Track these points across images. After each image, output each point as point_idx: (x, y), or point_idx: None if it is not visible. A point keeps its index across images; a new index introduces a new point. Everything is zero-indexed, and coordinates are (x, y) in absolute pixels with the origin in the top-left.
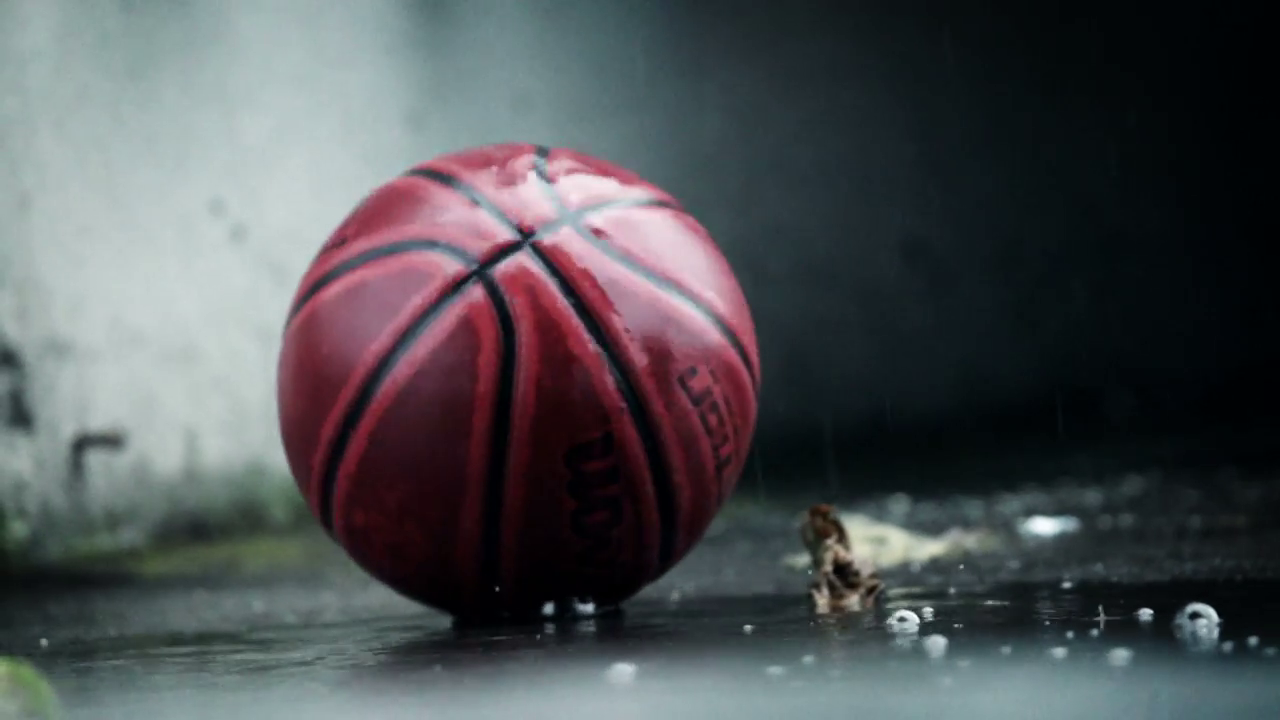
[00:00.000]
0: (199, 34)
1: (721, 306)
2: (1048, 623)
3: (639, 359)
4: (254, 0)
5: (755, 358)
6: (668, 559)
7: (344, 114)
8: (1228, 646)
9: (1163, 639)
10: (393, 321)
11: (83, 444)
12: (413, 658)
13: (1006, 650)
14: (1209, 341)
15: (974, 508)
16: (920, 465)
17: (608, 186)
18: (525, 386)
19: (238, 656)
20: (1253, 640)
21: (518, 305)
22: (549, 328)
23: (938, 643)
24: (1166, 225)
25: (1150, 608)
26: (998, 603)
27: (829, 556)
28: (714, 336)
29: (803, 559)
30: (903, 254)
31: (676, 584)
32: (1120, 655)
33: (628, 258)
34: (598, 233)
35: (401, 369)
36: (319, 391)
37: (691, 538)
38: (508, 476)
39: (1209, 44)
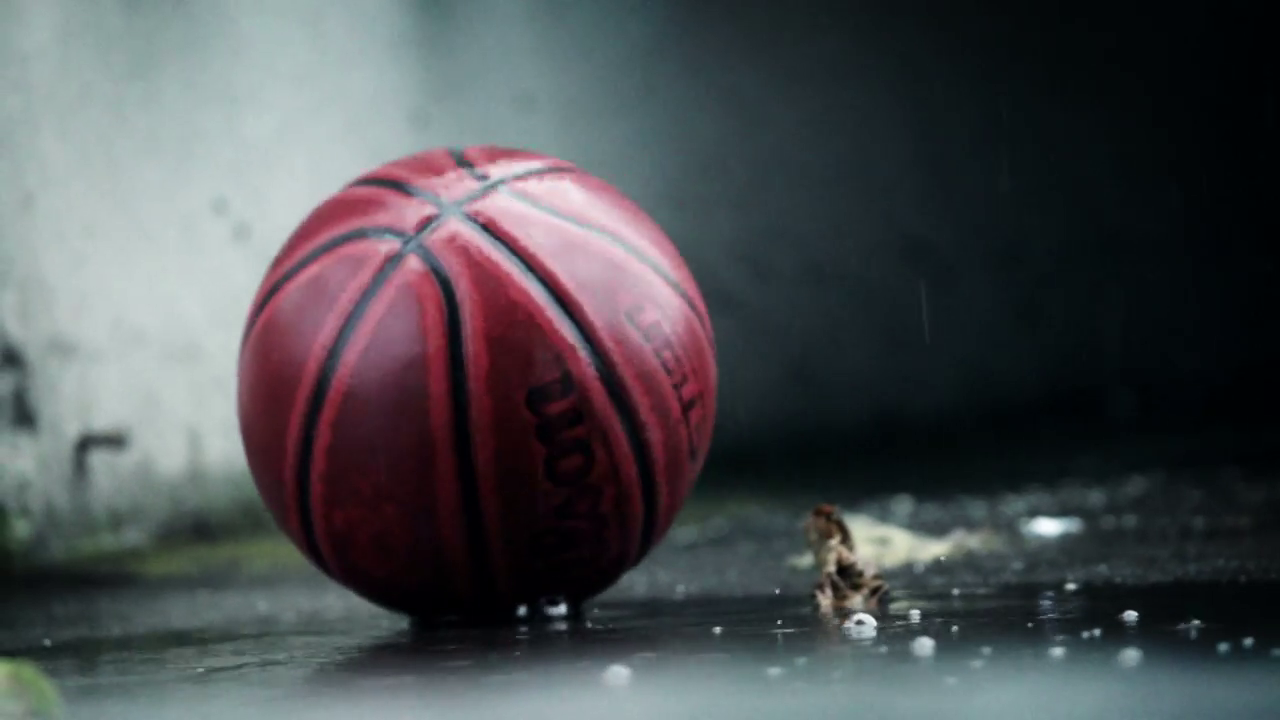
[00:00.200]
0: (202, 33)
1: (658, 253)
2: (1051, 624)
3: (582, 298)
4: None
5: (702, 306)
6: (652, 519)
7: (347, 113)
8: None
9: (1165, 640)
10: (334, 309)
11: (86, 444)
12: (410, 658)
13: (1008, 651)
14: (1212, 341)
15: (977, 508)
16: (923, 466)
17: (523, 161)
18: (474, 340)
19: (240, 656)
20: (1257, 641)
21: (453, 265)
22: (487, 280)
23: (925, 644)
24: (1169, 225)
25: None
26: (1001, 603)
27: (832, 557)
28: (655, 278)
29: (806, 560)
30: (905, 254)
31: (679, 584)
32: (1130, 656)
33: (557, 211)
34: (524, 193)
35: (350, 351)
36: (277, 400)
37: (673, 492)
38: (474, 432)
39: (1210, 43)
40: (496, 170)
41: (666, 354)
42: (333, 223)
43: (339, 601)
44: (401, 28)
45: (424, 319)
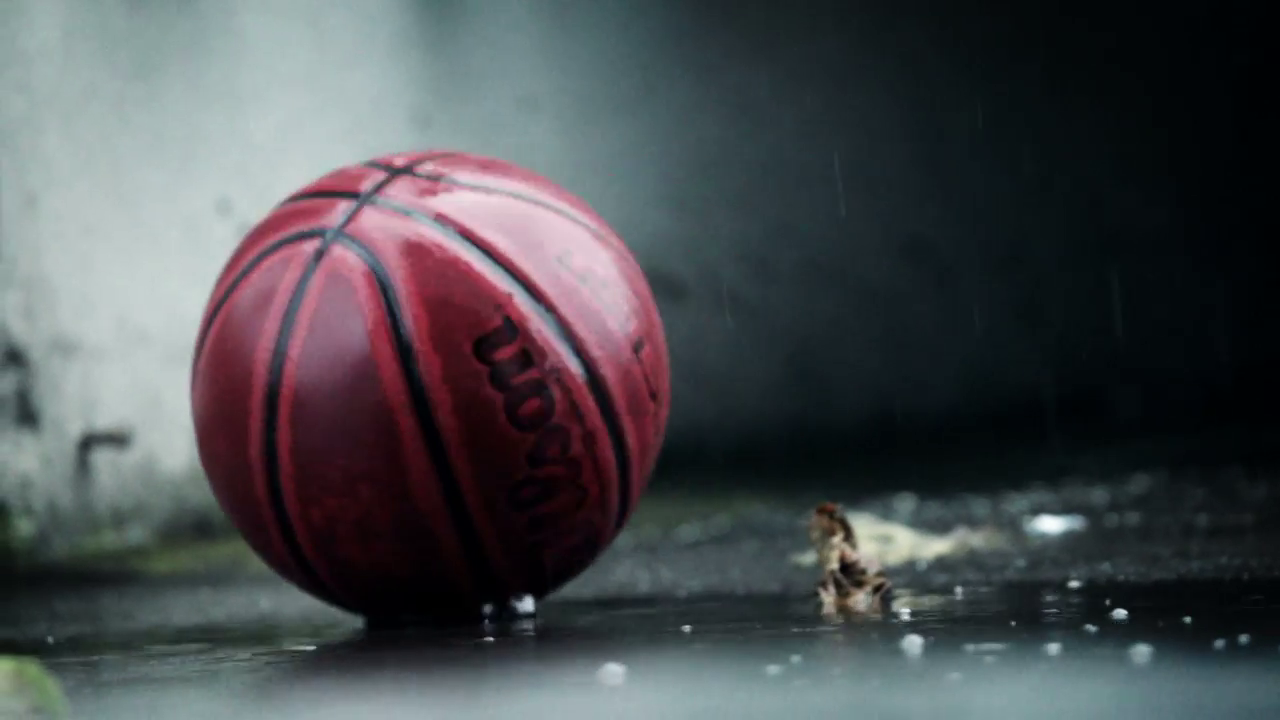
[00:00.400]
0: (205, 34)
1: (577, 210)
2: (1053, 621)
3: (510, 250)
4: (260, 1)
5: (630, 255)
6: (625, 464)
7: (350, 113)
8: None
9: (1167, 638)
10: (270, 313)
11: (89, 442)
12: (412, 655)
13: (1011, 649)
14: (1215, 340)
15: (980, 506)
16: (926, 464)
17: (423, 151)
18: (410, 304)
19: (243, 654)
20: (1260, 639)
21: (377, 242)
22: (412, 249)
23: (914, 642)
24: (1171, 224)
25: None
26: (1003, 601)
27: (835, 555)
28: (578, 230)
29: (809, 557)
30: (907, 253)
31: (682, 582)
32: (1141, 652)
33: (468, 182)
34: (433, 172)
35: (293, 347)
36: (234, 415)
37: (640, 434)
38: (429, 390)
39: (1212, 43)
40: (401, 160)
41: (605, 294)
42: (261, 239)
43: None
44: (404, 28)
45: (357, 296)
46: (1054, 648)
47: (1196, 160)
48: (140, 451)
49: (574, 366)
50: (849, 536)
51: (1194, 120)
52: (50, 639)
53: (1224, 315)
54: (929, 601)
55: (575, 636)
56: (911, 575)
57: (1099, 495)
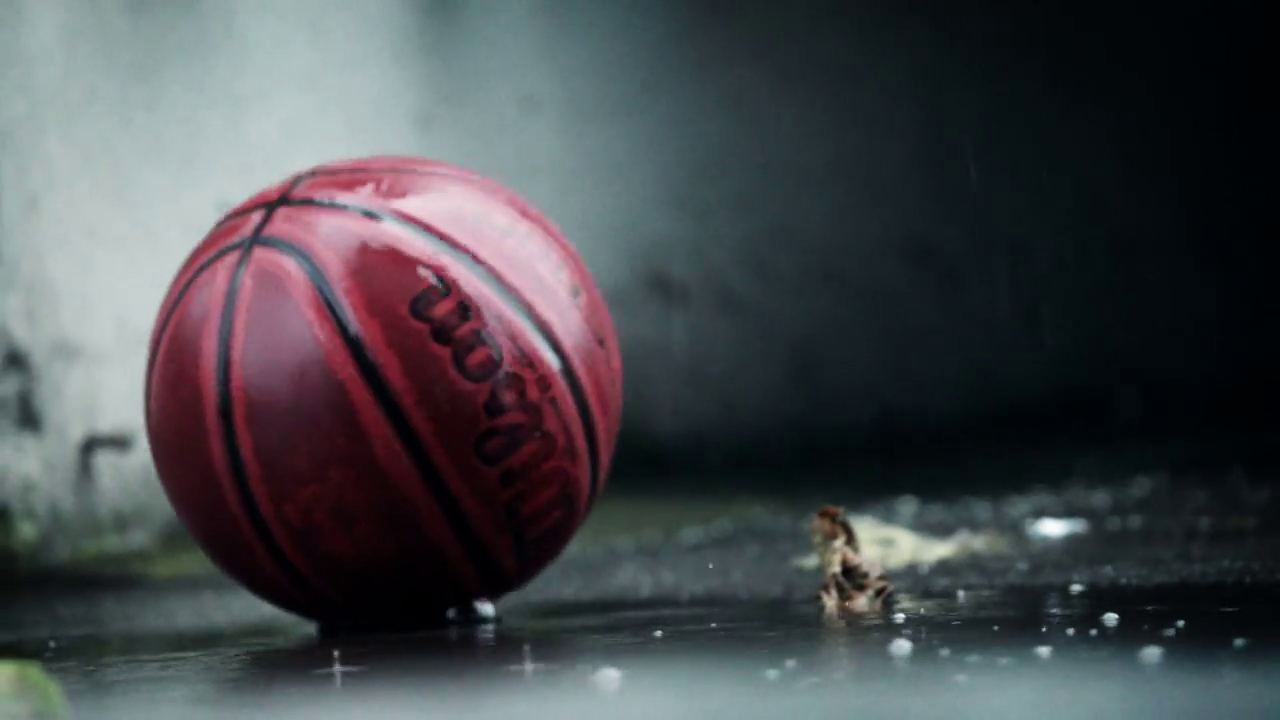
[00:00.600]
0: (206, 35)
1: (496, 187)
2: (1056, 625)
3: (428, 218)
4: (261, 2)
5: (555, 227)
6: (585, 409)
7: (351, 115)
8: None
9: (1168, 641)
10: (207, 327)
11: (91, 445)
12: (412, 658)
13: (1013, 653)
14: (1217, 343)
15: (982, 509)
16: (928, 467)
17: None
18: (340, 281)
19: (245, 657)
20: (1262, 642)
21: (295, 233)
22: (332, 233)
23: (902, 646)
24: (1174, 226)
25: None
26: (1005, 605)
27: (837, 559)
28: (489, 197)
29: (811, 561)
30: (909, 255)
31: (684, 585)
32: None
33: (373, 168)
34: (337, 168)
35: (235, 349)
36: (194, 433)
37: (594, 378)
38: (375, 357)
39: (1216, 43)
40: (305, 168)
41: (530, 245)
42: (190, 266)
43: None
44: (405, 30)
45: (286, 286)
46: (1056, 651)
47: (1200, 162)
48: (142, 455)
49: (513, 313)
50: (851, 540)
51: (1195, 121)
52: (52, 643)
53: (1226, 317)
54: (931, 605)
55: (575, 637)
56: (913, 579)
57: (1101, 498)
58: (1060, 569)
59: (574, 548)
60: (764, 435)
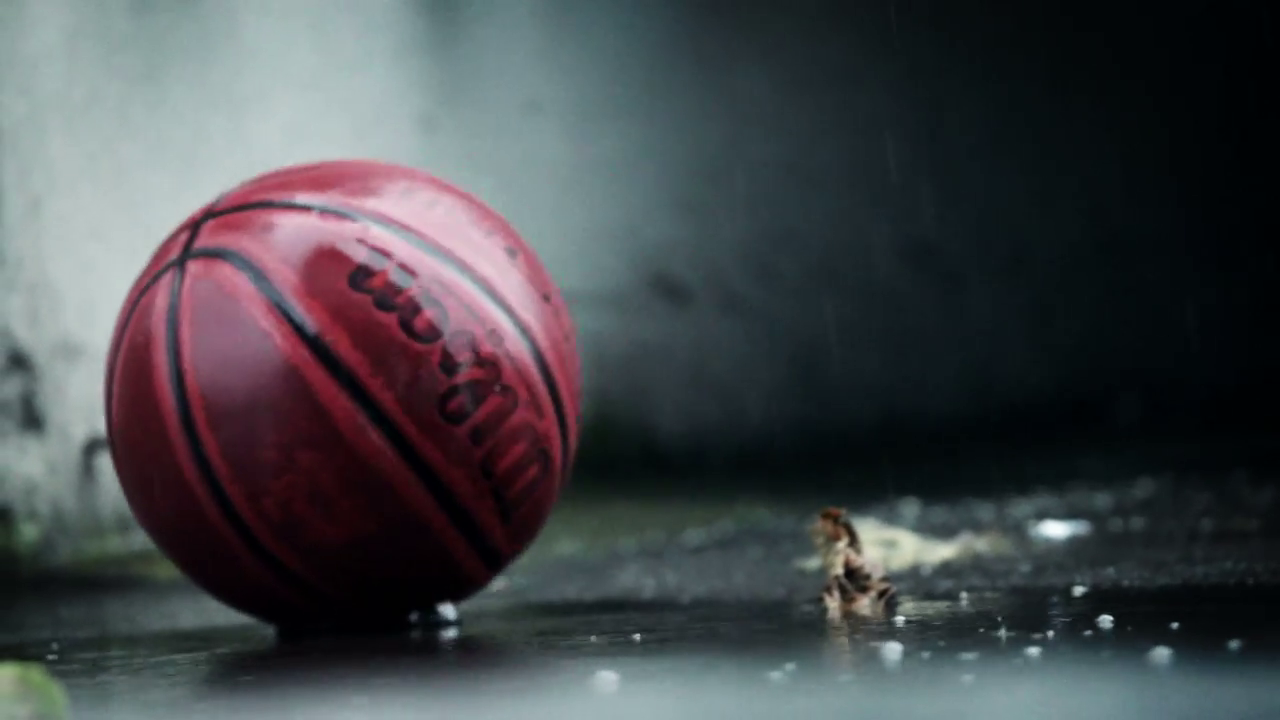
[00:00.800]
0: (209, 37)
1: (401, 167)
2: (1058, 626)
3: (356, 202)
4: (264, 3)
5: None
6: (542, 361)
7: (354, 117)
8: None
9: (1172, 643)
10: (154, 342)
11: (93, 447)
12: (412, 659)
13: (1015, 655)
14: (1219, 344)
15: (985, 511)
16: (931, 468)
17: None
18: (277, 271)
19: (247, 658)
20: (1265, 644)
21: (223, 238)
22: (261, 229)
23: (893, 649)
24: (1176, 228)
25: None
26: (1008, 606)
27: (840, 560)
28: (414, 174)
29: (814, 562)
30: (912, 257)
31: (686, 587)
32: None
33: (299, 168)
34: (263, 178)
35: (185, 357)
36: (160, 450)
37: (546, 333)
38: (322, 336)
39: (1216, 43)
40: (229, 183)
41: (458, 213)
42: (137, 288)
43: None
44: (408, 32)
45: (224, 286)
46: (1059, 653)
47: (1205, 164)
48: None
49: (452, 273)
50: (853, 541)
51: (1195, 121)
52: (54, 644)
53: (1228, 318)
54: (933, 607)
55: (575, 638)
56: (916, 580)
57: (1103, 500)
58: (1063, 570)
59: (576, 548)
60: (767, 436)
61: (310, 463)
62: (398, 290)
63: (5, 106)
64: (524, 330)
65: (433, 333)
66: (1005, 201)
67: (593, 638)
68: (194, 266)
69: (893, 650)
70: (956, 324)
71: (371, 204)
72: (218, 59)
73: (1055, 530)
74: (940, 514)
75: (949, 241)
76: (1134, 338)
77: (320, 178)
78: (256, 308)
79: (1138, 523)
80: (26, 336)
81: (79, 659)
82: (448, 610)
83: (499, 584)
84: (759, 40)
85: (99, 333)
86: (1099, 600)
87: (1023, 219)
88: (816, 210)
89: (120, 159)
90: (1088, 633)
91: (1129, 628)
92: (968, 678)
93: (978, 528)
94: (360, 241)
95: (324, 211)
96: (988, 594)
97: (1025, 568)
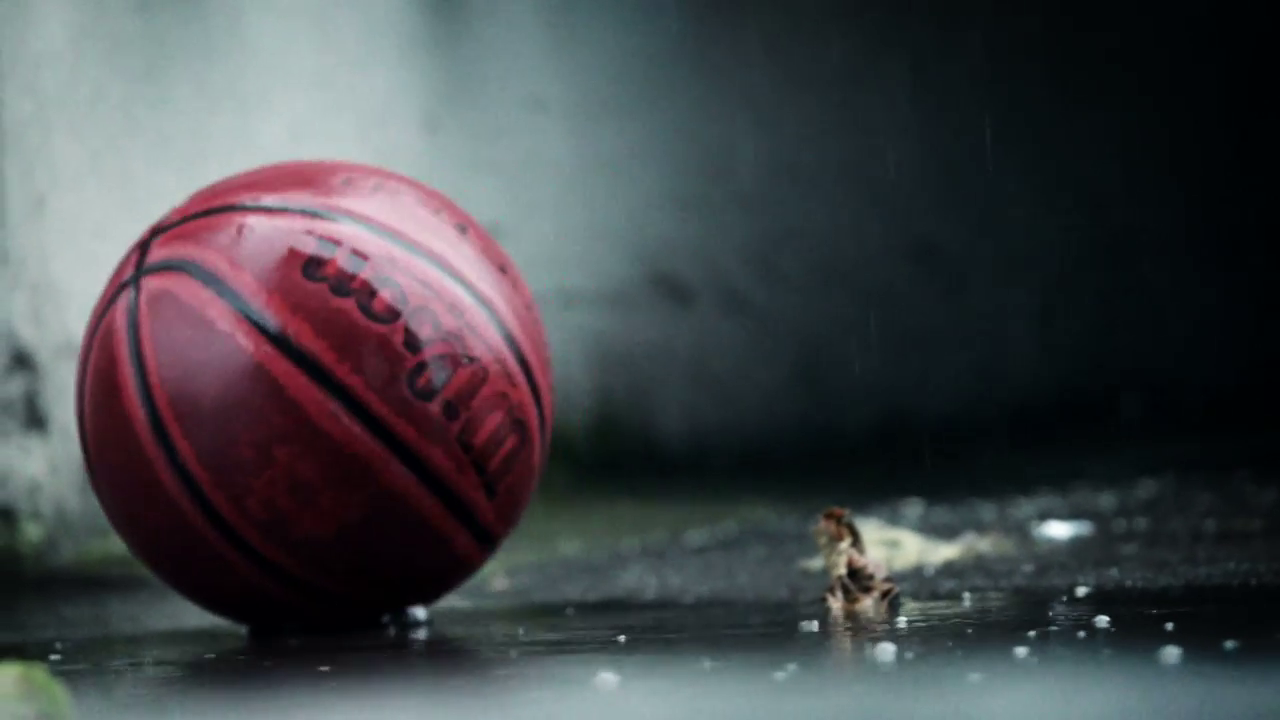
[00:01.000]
0: (213, 36)
1: (345, 163)
2: (1061, 627)
3: (292, 196)
4: (268, 2)
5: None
6: (507, 330)
7: (358, 116)
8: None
9: (1175, 643)
10: (120, 360)
11: None
12: (414, 659)
13: (1018, 655)
14: (1222, 344)
15: (988, 511)
16: (934, 469)
17: None
18: (232, 273)
19: (251, 657)
20: (1268, 644)
21: (174, 252)
22: (206, 236)
23: (886, 650)
24: (1179, 228)
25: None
26: (1011, 607)
27: (843, 560)
28: (354, 167)
29: (817, 562)
30: (915, 257)
31: (689, 587)
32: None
33: (226, 180)
34: (211, 187)
35: (150, 368)
36: (137, 464)
37: (508, 304)
38: (284, 328)
39: (1216, 43)
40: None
41: (402, 196)
42: (96, 312)
43: None
44: (412, 31)
45: (181, 295)
46: (1061, 653)
47: (1208, 163)
48: None
49: (404, 252)
50: (856, 541)
51: (1195, 121)
52: (58, 644)
53: (1232, 319)
54: (936, 607)
55: (576, 638)
56: (919, 580)
57: (1106, 500)
58: (1066, 571)
59: (579, 549)
60: (769, 436)
61: (288, 457)
62: (351, 275)
63: (9, 105)
64: (484, 302)
65: (391, 313)
66: (1009, 201)
67: (594, 638)
68: (148, 282)
69: (894, 651)
70: (958, 324)
71: (317, 199)
72: (221, 58)
73: (1058, 530)
74: (943, 514)
75: (952, 242)
76: (1135, 338)
77: (259, 181)
78: (215, 312)
79: (1141, 523)
80: (30, 336)
81: (82, 659)
82: (418, 612)
83: (501, 584)
84: (762, 39)
85: None
86: (1102, 601)
87: (1026, 219)
88: (818, 210)
89: (124, 158)
90: (1093, 633)
91: (1131, 628)
92: (971, 678)
93: (980, 528)
94: (309, 233)
95: (270, 207)
96: (990, 594)
97: (1028, 568)
